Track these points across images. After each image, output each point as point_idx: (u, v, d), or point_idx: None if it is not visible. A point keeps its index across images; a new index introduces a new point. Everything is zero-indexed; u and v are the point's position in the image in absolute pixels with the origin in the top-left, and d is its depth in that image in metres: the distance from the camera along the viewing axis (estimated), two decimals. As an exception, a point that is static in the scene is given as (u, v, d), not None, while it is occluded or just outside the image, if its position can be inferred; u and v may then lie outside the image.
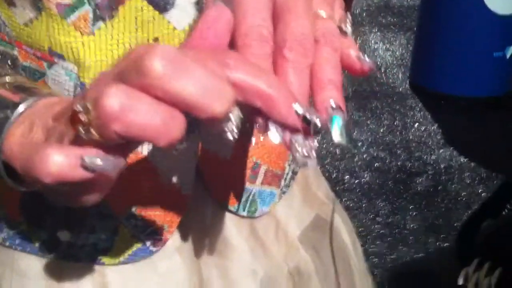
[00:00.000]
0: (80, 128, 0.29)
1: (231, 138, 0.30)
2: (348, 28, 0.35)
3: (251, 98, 0.30)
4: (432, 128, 2.40)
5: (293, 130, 0.31)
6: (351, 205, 2.08)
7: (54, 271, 0.49)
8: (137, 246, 0.49)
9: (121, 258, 0.49)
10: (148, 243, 0.49)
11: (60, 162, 0.29)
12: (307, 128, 0.31)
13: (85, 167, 0.29)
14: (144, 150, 0.46)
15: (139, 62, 0.28)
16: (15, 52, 0.45)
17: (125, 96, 0.28)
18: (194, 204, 0.50)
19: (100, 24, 0.42)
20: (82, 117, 0.29)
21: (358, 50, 0.34)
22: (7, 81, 0.39)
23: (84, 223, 0.47)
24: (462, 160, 2.25)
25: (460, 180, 2.18)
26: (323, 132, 0.32)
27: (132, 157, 0.45)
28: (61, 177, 0.29)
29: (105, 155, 0.30)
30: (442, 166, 2.24)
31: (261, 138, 0.52)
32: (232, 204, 0.53)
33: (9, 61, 0.45)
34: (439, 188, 2.15)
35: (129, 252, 0.49)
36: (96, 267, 0.49)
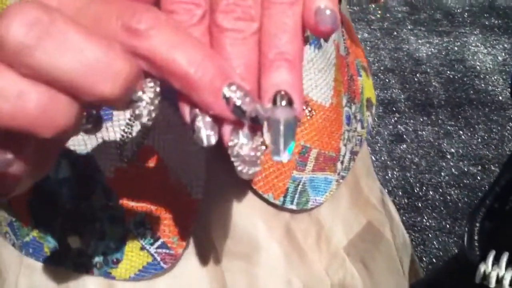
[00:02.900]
0: None
1: (146, 122, 0.24)
2: None
3: (167, 77, 0.24)
4: (534, 143, 2.24)
5: (234, 124, 0.25)
6: (433, 224, 1.97)
7: (62, 278, 0.48)
8: (147, 260, 0.46)
9: (131, 274, 0.46)
10: (158, 258, 0.46)
11: None
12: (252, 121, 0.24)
13: None
14: (156, 146, 0.42)
15: None
16: None
17: None
18: (216, 196, 0.46)
19: None
20: None
21: None
22: None
23: (94, 227, 0.45)
24: None
25: (563, 204, 2.01)
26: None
27: (144, 153, 0.42)
28: None
29: None
30: (542, 187, 2.08)
31: (308, 116, 0.46)
32: (277, 197, 0.48)
33: None
34: (537, 212, 1.99)
35: (139, 266, 0.46)
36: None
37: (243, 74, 0.24)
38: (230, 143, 0.25)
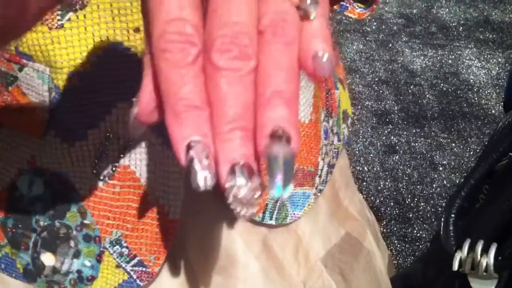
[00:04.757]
0: None
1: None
2: (312, 8, 0.25)
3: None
4: (525, 157, 2.24)
5: (231, 166, 0.24)
6: (423, 235, 1.97)
7: None
8: (123, 278, 0.45)
9: None
10: (134, 276, 0.45)
11: None
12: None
13: None
14: (132, 165, 0.42)
15: None
16: None
17: None
18: (192, 212, 0.46)
19: (70, 15, 0.37)
20: None
21: (324, 40, 0.25)
22: None
23: (69, 245, 0.45)
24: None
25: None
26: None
27: (120, 173, 0.42)
28: None
29: None
30: (532, 201, 2.08)
31: None
32: (256, 214, 0.48)
33: None
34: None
35: (115, 284, 0.45)
36: None
37: (240, 113, 0.24)
38: (227, 185, 0.24)
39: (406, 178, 2.19)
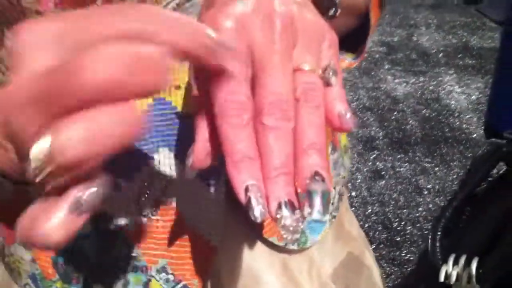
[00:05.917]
0: None
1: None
2: (333, 78, 0.33)
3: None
4: (507, 180, 2.30)
5: (279, 202, 0.31)
6: (411, 258, 2.01)
7: None
8: None
9: None
10: None
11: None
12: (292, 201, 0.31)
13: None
14: (173, 201, 0.48)
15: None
16: None
17: None
18: (228, 242, 0.51)
19: None
20: None
21: (343, 102, 0.33)
22: None
23: (118, 276, 0.49)
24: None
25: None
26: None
27: (162, 209, 0.47)
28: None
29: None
30: (515, 222, 2.13)
31: None
32: (281, 240, 0.54)
33: None
34: (510, 246, 2.04)
35: None
36: None
37: (283, 162, 0.31)
38: (278, 216, 0.31)
39: (393, 202, 2.23)
